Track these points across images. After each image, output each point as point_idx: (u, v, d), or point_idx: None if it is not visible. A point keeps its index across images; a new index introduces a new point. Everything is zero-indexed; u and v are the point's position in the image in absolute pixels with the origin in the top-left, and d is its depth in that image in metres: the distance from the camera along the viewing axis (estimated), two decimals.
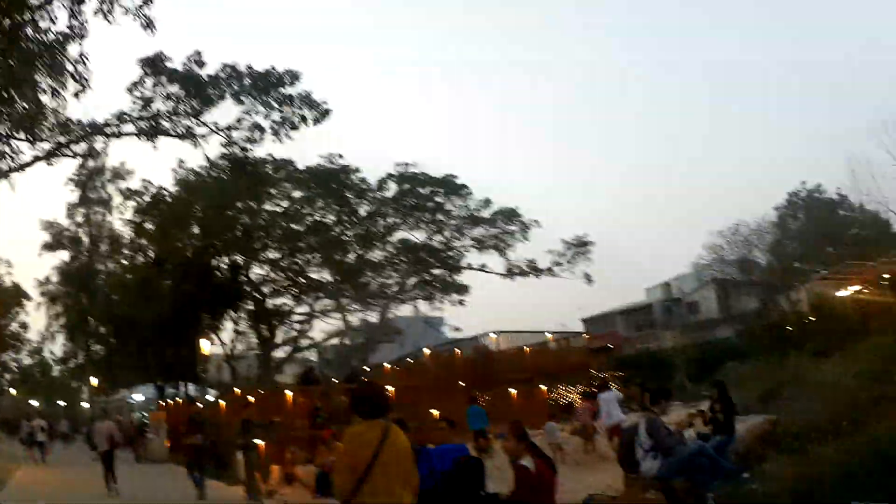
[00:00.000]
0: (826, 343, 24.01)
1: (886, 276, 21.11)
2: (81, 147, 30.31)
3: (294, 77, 30.58)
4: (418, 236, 39.82)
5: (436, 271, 41.27)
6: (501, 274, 39.61)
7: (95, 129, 28.80)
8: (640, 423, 10.14)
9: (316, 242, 38.44)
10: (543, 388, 28.93)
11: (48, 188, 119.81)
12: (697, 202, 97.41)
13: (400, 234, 39.88)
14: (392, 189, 38.76)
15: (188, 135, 29.17)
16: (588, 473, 14.16)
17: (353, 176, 38.20)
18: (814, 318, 27.78)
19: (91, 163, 48.81)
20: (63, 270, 51.47)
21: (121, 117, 28.93)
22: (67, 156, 29.00)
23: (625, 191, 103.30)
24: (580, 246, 39.08)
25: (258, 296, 39.57)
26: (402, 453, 5.37)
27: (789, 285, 44.56)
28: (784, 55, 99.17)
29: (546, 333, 36.16)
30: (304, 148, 39.08)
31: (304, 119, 30.38)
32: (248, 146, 30.54)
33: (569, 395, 34.27)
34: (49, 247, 50.66)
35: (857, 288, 25.76)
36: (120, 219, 42.12)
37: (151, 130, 28.96)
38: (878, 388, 12.48)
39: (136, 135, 29.13)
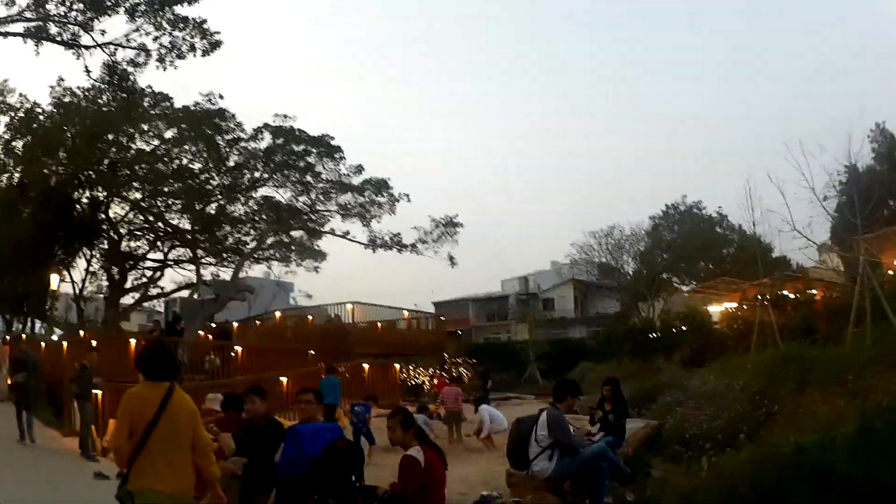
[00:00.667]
0: (695, 354, 24.55)
1: (761, 295, 21.29)
2: None
3: None
4: (283, 195, 38.22)
5: (295, 233, 39.86)
6: (363, 244, 38.20)
7: None
8: (540, 417, 9.30)
9: (179, 188, 36.35)
10: (396, 366, 28.28)
11: None
12: (571, 202, 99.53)
13: (265, 191, 38.19)
14: (265, 141, 36.93)
15: (74, 43, 26.22)
16: (459, 465, 12.87)
17: (228, 123, 36.06)
18: (684, 328, 28.24)
19: None
20: None
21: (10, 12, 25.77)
22: None
23: (495, 176, 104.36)
24: (449, 226, 37.68)
25: (114, 236, 37.41)
26: (185, 417, 5.28)
27: (654, 294, 45.54)
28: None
29: (403, 311, 35.57)
30: (184, 83, 35.83)
31: (192, 48, 27.70)
32: (131, 69, 27.80)
33: (419, 376, 34.31)
34: None
35: (732, 305, 26.23)
36: None
37: (39, 32, 25.98)
38: (766, 404, 12.44)
39: (21, 36, 25.94)
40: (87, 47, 26.34)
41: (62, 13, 25.97)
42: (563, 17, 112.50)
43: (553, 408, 9.33)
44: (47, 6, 25.83)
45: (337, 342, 28.23)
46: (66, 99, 34.43)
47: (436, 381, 32.82)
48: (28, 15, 25.74)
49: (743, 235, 44.85)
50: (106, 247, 37.38)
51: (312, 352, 25.32)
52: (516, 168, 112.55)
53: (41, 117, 34.84)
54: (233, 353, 23.44)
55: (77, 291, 37.42)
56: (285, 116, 36.61)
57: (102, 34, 26.46)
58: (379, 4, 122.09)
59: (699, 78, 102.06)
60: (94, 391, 16.31)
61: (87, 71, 27.45)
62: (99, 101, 33.18)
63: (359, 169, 37.58)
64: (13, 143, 35.13)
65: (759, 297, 21.74)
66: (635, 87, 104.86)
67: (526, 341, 50.17)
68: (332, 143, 37.10)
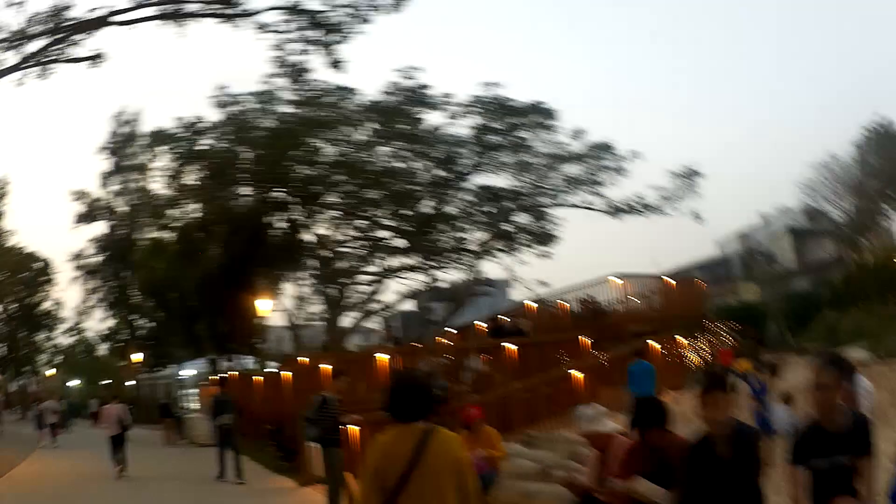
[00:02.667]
0: None
1: None
2: (81, 46, 22.50)
3: None
4: (500, 180, 34.04)
5: (520, 220, 35.09)
6: (607, 212, 33.48)
7: (96, 21, 21.63)
8: None
9: (382, 195, 33.19)
10: (680, 338, 22.60)
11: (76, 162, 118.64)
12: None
13: (480, 179, 34.19)
14: (473, 120, 32.59)
15: (221, 13, 22.36)
16: None
17: (429, 103, 31.78)
18: None
19: (124, 129, 45.63)
20: (99, 241, 47.86)
21: None
22: (62, 60, 22.12)
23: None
24: (689, 177, 32.77)
25: (323, 254, 34.66)
26: (448, 467, 4.14)
27: (870, 228, 40.12)
28: None
29: (663, 278, 30.19)
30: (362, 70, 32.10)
31: (374, 6, 22.95)
32: (305, 48, 23.06)
33: (692, 350, 28.52)
34: (83, 218, 47.13)
35: None
36: (154, 178, 37.02)
37: (176, 13, 22.00)
38: None
39: (155, 18, 22.15)
40: (240, 15, 22.58)
41: None
42: None
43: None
44: None
45: (601, 323, 23.19)
46: (234, 107, 31.67)
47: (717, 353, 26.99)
48: None
49: None
50: (317, 267, 34.89)
51: (585, 339, 20.68)
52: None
53: (210, 140, 32.52)
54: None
55: (290, 318, 35.40)
56: (494, 84, 32.30)
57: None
58: None
59: None
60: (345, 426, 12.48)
61: (286, 66, 23.92)
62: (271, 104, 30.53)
63: (577, 134, 33.02)
64: (182, 173, 33.12)
65: None
66: None
67: (758, 301, 44.95)
68: (546, 107, 32.84)
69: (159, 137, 32.25)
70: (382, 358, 17.69)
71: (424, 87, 31.19)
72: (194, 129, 31.63)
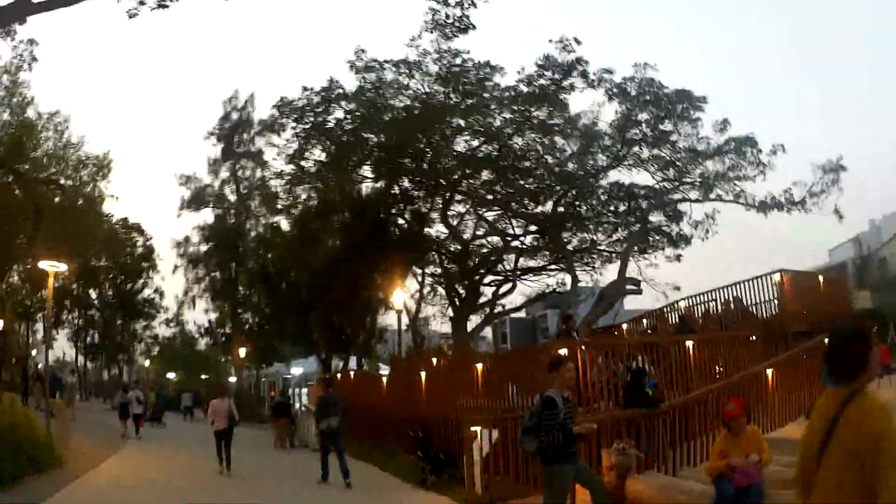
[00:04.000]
0: None
1: None
2: None
3: None
4: (637, 177, 31.40)
5: (654, 218, 32.59)
6: (754, 206, 30.75)
7: None
8: None
9: (507, 192, 30.78)
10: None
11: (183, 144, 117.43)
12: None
13: (618, 175, 31.50)
14: (615, 106, 29.76)
15: None
16: None
17: (580, 79, 28.64)
18: None
19: (237, 113, 44.30)
20: (206, 230, 46.39)
21: None
22: None
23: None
24: (833, 172, 29.76)
25: (453, 250, 32.21)
26: (859, 438, 3.55)
27: None
28: None
29: (818, 276, 27.45)
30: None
31: None
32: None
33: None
34: (190, 204, 45.82)
35: None
36: (272, 160, 34.89)
37: None
38: None
39: None
40: None
41: None
42: None
43: None
44: None
45: (758, 322, 20.70)
46: (371, 74, 28.84)
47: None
48: None
49: None
50: (443, 264, 32.75)
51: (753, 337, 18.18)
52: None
53: (340, 114, 30.11)
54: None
55: (411, 317, 33.00)
56: (645, 65, 29.46)
57: None
58: None
59: None
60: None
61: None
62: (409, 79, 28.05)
63: (723, 125, 30.23)
64: (305, 151, 30.83)
65: None
66: None
67: (871, 308, 41.66)
68: (695, 95, 29.99)
69: (285, 109, 29.92)
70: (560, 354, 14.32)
71: (580, 61, 28.30)
72: (326, 97, 29.16)
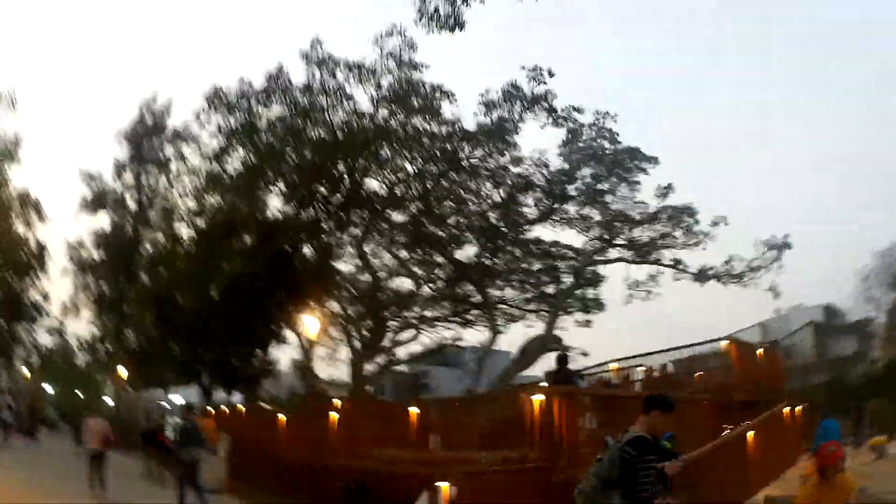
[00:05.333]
0: None
1: None
2: None
3: None
4: (565, 235, 30.23)
5: (569, 280, 31.57)
6: (693, 274, 30.24)
7: None
8: None
9: (420, 231, 29.05)
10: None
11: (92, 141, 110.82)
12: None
13: (541, 231, 30.19)
14: (565, 158, 28.70)
15: None
16: None
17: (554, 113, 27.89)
18: None
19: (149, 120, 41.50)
20: (101, 236, 43.02)
21: None
22: None
23: None
24: (778, 249, 29.83)
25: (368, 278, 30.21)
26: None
27: None
28: None
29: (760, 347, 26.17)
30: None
31: None
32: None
33: None
34: (89, 205, 42.52)
35: None
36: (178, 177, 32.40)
37: None
38: None
39: None
40: None
41: None
42: None
43: None
44: None
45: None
46: (318, 75, 27.35)
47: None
48: None
49: None
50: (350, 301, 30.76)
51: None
52: None
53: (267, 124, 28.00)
54: None
55: (305, 355, 30.63)
56: (605, 115, 28.83)
57: None
58: None
59: None
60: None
61: None
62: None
63: (666, 190, 29.19)
64: (227, 156, 28.41)
65: None
66: None
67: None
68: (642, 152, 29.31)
69: (215, 100, 27.62)
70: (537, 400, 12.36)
71: (548, 94, 26.89)
72: (270, 86, 27.01)
